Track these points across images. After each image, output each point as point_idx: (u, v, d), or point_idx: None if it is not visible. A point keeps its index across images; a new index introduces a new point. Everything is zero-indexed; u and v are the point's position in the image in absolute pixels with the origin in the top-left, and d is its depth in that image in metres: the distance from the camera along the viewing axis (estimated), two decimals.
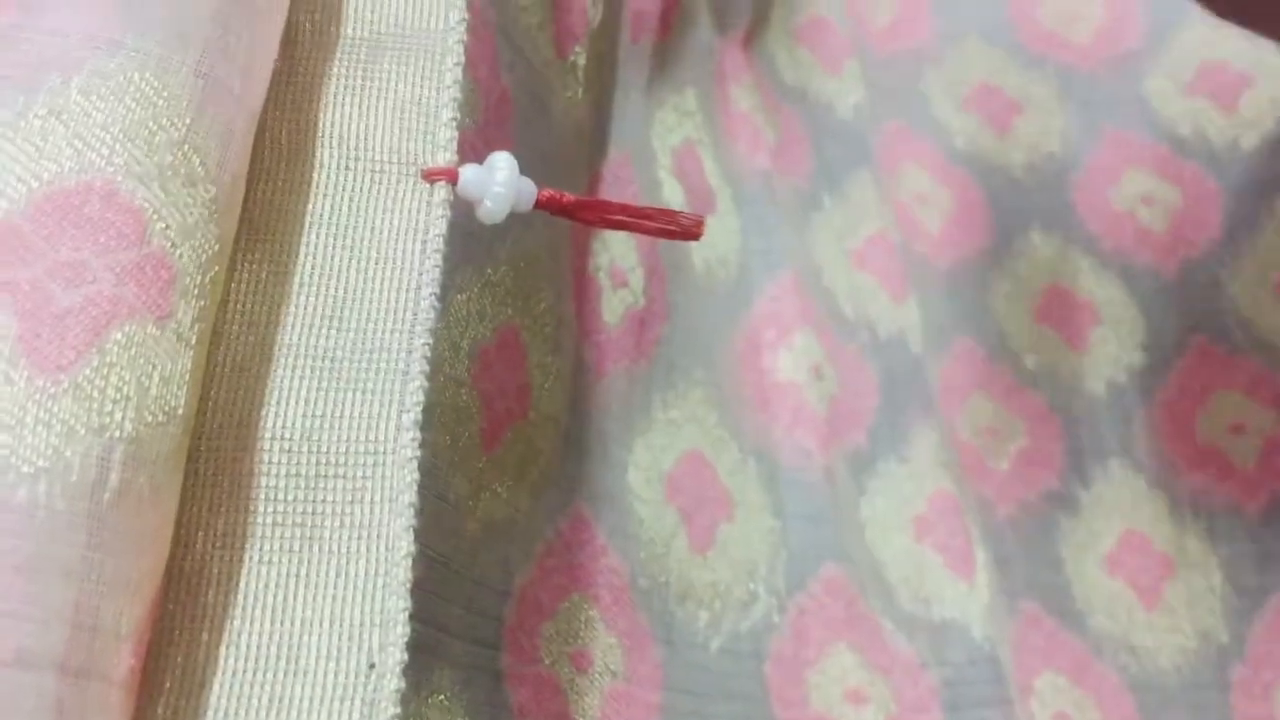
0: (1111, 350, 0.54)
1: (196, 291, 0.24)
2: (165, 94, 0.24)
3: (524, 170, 0.30)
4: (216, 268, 0.25)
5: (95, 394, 0.22)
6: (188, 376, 0.24)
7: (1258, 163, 0.55)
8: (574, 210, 0.31)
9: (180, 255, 0.24)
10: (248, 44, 0.26)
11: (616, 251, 0.46)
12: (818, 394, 0.50)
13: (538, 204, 0.31)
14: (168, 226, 0.24)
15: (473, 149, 0.30)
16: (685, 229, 0.32)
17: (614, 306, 0.45)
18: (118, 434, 0.22)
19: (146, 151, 0.24)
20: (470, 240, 0.36)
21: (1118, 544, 0.52)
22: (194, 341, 0.24)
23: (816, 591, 0.48)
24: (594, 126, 0.46)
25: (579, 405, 0.43)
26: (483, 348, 0.36)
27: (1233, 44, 0.57)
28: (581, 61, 0.43)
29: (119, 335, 0.22)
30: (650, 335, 0.47)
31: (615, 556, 0.43)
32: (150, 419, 0.23)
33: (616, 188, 0.46)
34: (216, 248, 0.25)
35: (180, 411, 0.23)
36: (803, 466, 0.49)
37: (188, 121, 0.25)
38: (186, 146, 0.24)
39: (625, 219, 0.32)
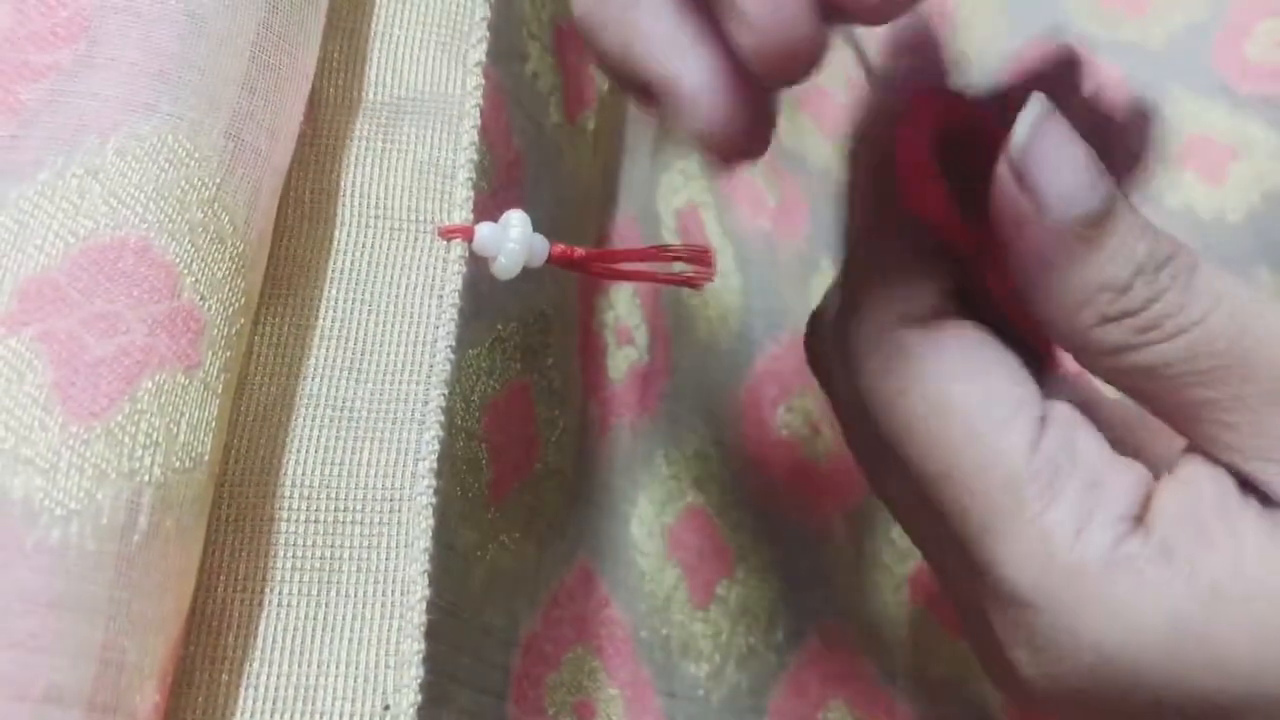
0: None
1: (223, 342, 0.25)
2: (197, 155, 0.25)
3: (536, 229, 0.31)
4: (243, 320, 0.26)
5: (126, 440, 0.22)
6: (214, 424, 0.24)
7: (1244, 234, 0.55)
8: (585, 263, 0.32)
9: (209, 308, 0.24)
10: (274, 108, 0.27)
11: (622, 310, 0.46)
12: (817, 451, 0.50)
13: (551, 259, 0.31)
14: (197, 281, 0.24)
15: (486, 210, 0.31)
16: (695, 262, 0.32)
17: (619, 363, 0.46)
18: (147, 478, 0.22)
19: (178, 209, 0.24)
20: (482, 298, 0.37)
21: None
22: (220, 390, 0.24)
23: (816, 647, 0.48)
24: (602, 189, 0.46)
25: (584, 459, 0.43)
26: (492, 401, 0.36)
27: (1218, 119, 0.57)
28: (590, 126, 0.44)
29: (149, 384, 0.23)
30: (654, 391, 0.47)
31: (618, 609, 0.43)
32: (178, 464, 0.23)
33: (623, 247, 0.46)
34: (243, 300, 0.26)
35: (206, 457, 0.24)
36: (802, 523, 0.49)
37: (218, 181, 0.25)
38: (216, 205, 0.25)
39: (633, 267, 0.32)
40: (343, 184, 0.30)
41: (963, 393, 0.30)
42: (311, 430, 0.27)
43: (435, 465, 0.27)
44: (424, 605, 0.26)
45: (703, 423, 0.48)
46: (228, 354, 0.25)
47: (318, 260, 0.29)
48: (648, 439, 0.46)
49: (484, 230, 0.30)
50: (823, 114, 0.59)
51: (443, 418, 0.27)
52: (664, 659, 0.43)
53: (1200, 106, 0.57)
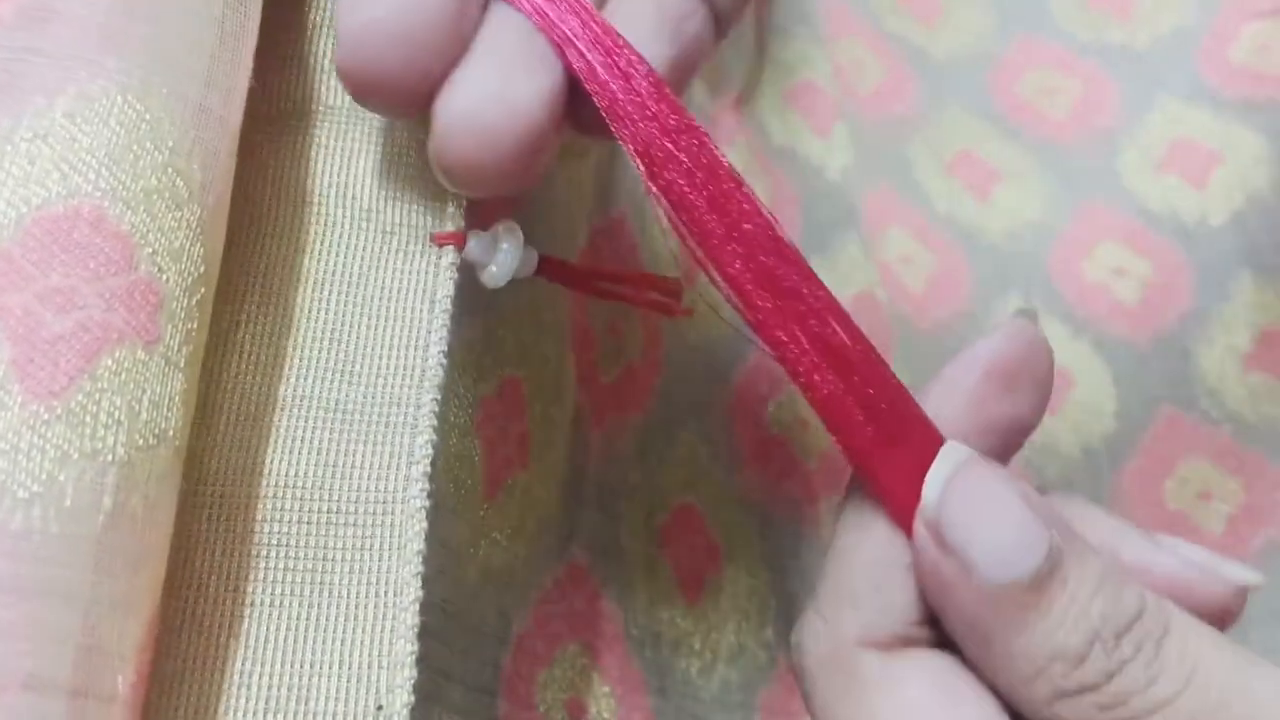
0: (1084, 416, 0.54)
1: (184, 315, 0.23)
2: (149, 117, 0.24)
3: (527, 231, 0.30)
4: (203, 289, 0.24)
5: (87, 419, 0.21)
6: (177, 399, 0.23)
7: (1227, 238, 0.55)
8: (572, 277, 0.32)
9: (167, 279, 0.23)
10: (228, 66, 0.26)
11: (614, 307, 0.45)
12: (807, 448, 0.50)
13: (539, 270, 0.31)
14: (154, 251, 0.23)
15: (476, 213, 0.30)
16: (668, 295, 0.32)
17: (611, 360, 0.45)
18: (109, 458, 0.21)
19: (132, 175, 0.23)
20: (475, 294, 0.36)
21: None
22: (182, 364, 0.23)
23: None
24: (595, 185, 0.45)
25: (576, 455, 0.42)
26: (485, 397, 0.36)
27: (1203, 123, 0.56)
28: None
29: (109, 361, 0.21)
30: (645, 388, 0.46)
31: (609, 605, 0.42)
32: (141, 442, 0.22)
33: (615, 243, 0.46)
34: (203, 269, 0.24)
35: (171, 433, 0.23)
36: (792, 518, 0.49)
37: (171, 144, 0.24)
38: (171, 169, 0.24)
39: (614, 288, 0.32)
40: (335, 183, 0.29)
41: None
42: (304, 430, 0.27)
43: (429, 469, 0.26)
44: (417, 607, 0.25)
45: (693, 420, 0.48)
46: (189, 326, 0.24)
47: (310, 262, 0.28)
48: (639, 435, 0.46)
49: (474, 241, 0.29)
50: (812, 110, 0.58)
51: (436, 422, 0.27)
52: (655, 656, 0.43)
53: (1184, 110, 0.57)
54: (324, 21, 0.30)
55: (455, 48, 0.26)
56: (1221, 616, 0.27)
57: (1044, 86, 0.60)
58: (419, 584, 0.25)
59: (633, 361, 0.46)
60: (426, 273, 0.29)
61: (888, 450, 0.27)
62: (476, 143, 0.25)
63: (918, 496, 0.26)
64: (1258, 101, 0.56)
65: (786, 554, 0.48)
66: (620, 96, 0.26)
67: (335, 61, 0.26)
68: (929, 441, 0.27)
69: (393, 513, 0.26)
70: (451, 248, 0.29)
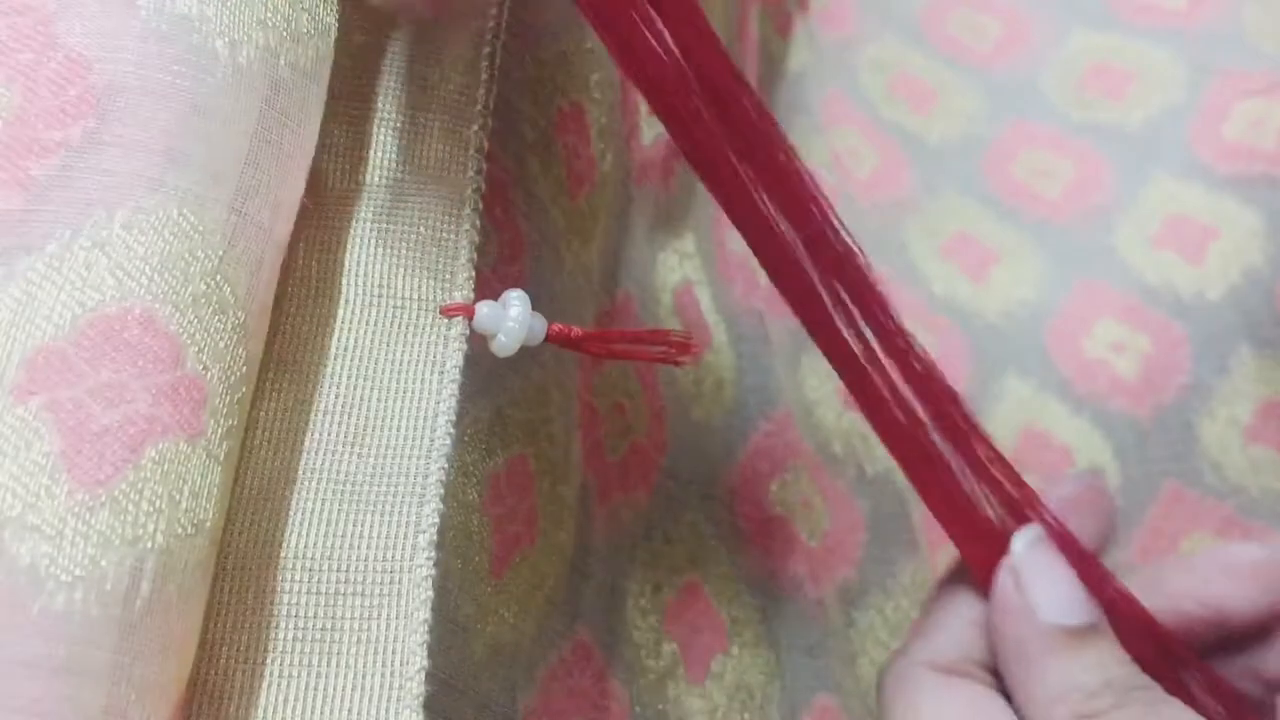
0: None
1: (225, 411, 0.25)
2: (200, 228, 0.25)
3: (535, 307, 0.31)
4: (244, 389, 0.26)
5: (130, 507, 0.22)
6: (216, 491, 0.24)
7: (1224, 312, 0.55)
8: (582, 343, 0.32)
9: (211, 377, 0.24)
10: (276, 182, 0.27)
11: (619, 386, 0.46)
12: (810, 527, 0.50)
13: (549, 337, 0.32)
14: (200, 351, 0.24)
15: (488, 286, 0.31)
16: (679, 348, 0.33)
17: (616, 439, 0.46)
18: (150, 545, 0.22)
19: (182, 281, 0.24)
20: (484, 373, 0.37)
21: None
22: (222, 458, 0.24)
23: None
24: (601, 267, 0.46)
25: (583, 534, 0.43)
26: (493, 475, 0.36)
27: (1197, 199, 0.58)
28: (590, 206, 0.44)
29: (153, 452, 0.23)
30: (650, 467, 0.47)
31: (615, 684, 0.42)
32: (180, 531, 0.23)
33: (621, 325, 0.46)
34: (244, 370, 0.26)
35: (208, 524, 0.24)
36: (796, 598, 0.49)
37: (220, 254, 0.25)
38: (219, 276, 0.25)
39: (626, 347, 0.33)
40: (347, 263, 0.30)
41: None
42: (314, 503, 0.27)
43: (435, 538, 0.27)
44: (422, 676, 0.26)
45: (698, 499, 0.48)
46: (230, 422, 0.25)
47: (322, 337, 0.29)
48: (644, 515, 0.46)
49: (484, 309, 0.30)
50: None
51: (443, 491, 0.27)
52: None
53: (1179, 187, 0.58)
54: (334, 109, 0.31)
55: None
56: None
57: (1038, 167, 0.61)
58: (425, 654, 0.26)
59: (637, 440, 0.46)
60: (435, 344, 0.29)
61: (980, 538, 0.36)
62: None
63: (990, 569, 0.36)
64: (1252, 177, 0.57)
65: (792, 632, 0.48)
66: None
67: None
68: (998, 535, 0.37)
69: (400, 582, 0.26)
70: (461, 318, 0.30)
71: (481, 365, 0.37)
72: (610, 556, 0.44)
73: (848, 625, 0.51)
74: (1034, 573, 0.35)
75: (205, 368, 0.24)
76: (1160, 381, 0.55)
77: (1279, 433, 0.53)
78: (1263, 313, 0.55)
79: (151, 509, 0.22)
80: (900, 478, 0.52)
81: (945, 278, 0.59)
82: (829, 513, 0.51)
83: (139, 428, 0.23)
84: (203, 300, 0.25)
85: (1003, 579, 0.35)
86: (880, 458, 0.53)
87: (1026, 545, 0.36)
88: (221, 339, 0.25)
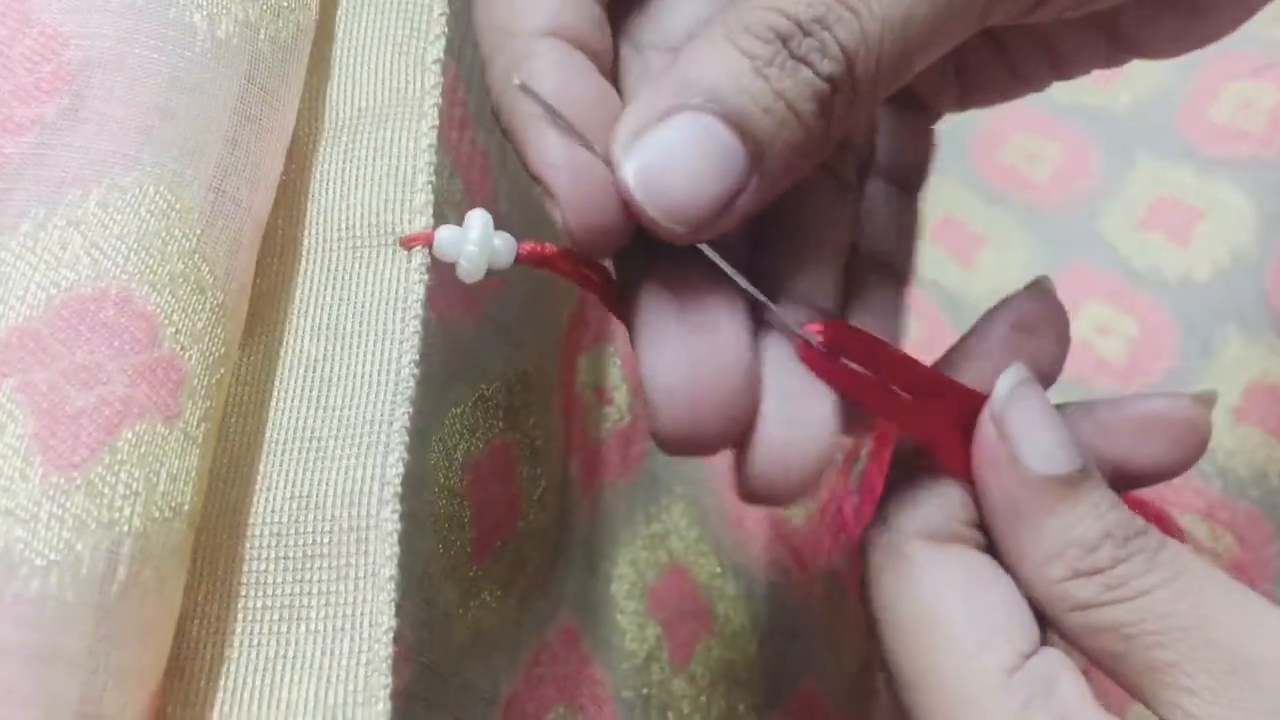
0: None
1: (203, 392, 0.24)
2: (178, 206, 0.25)
3: (510, 225, 0.30)
4: (222, 370, 0.25)
5: (106, 490, 0.22)
6: (193, 474, 0.24)
7: (1211, 293, 0.56)
8: (555, 260, 0.31)
9: (189, 358, 0.24)
10: (255, 159, 0.27)
11: (602, 370, 0.46)
12: (794, 513, 0.50)
13: (519, 258, 0.30)
14: (178, 331, 0.24)
15: (460, 208, 0.30)
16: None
17: (600, 423, 0.46)
18: (126, 529, 0.22)
19: (159, 260, 0.24)
20: (465, 357, 0.36)
21: None
22: (200, 440, 0.24)
23: (794, 708, 0.48)
24: None
25: (567, 518, 0.43)
26: (475, 460, 0.36)
27: (1184, 181, 0.58)
28: None
29: (130, 434, 0.22)
30: (635, 451, 0.47)
31: (599, 668, 0.42)
32: (157, 514, 0.23)
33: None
34: (223, 350, 0.25)
35: (185, 507, 0.24)
36: (780, 583, 0.49)
37: (198, 232, 0.25)
38: (197, 256, 0.25)
39: (595, 278, 0.31)
40: (309, 213, 0.29)
41: (953, 605, 0.31)
42: (280, 466, 0.27)
43: (400, 489, 0.26)
44: (390, 637, 0.25)
45: (682, 484, 0.48)
46: (207, 404, 0.25)
47: (285, 293, 0.29)
48: (629, 498, 0.46)
49: (444, 234, 0.29)
50: None
51: (408, 438, 0.27)
52: (644, 719, 0.43)
53: (1167, 170, 0.58)
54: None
55: (750, 398, 0.29)
56: (1194, 437, 0.35)
57: (1026, 151, 0.61)
58: (392, 612, 0.25)
59: (621, 425, 0.46)
60: (396, 281, 0.28)
61: (933, 406, 0.33)
62: (786, 470, 0.30)
63: (961, 438, 0.33)
64: (1239, 159, 0.57)
65: (776, 616, 0.48)
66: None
67: (651, 426, 0.29)
68: (965, 395, 0.33)
69: (367, 540, 0.26)
70: (421, 248, 0.29)
71: (464, 349, 0.37)
72: (595, 541, 0.44)
73: (833, 610, 0.51)
74: (1021, 420, 0.32)
75: (183, 348, 0.24)
76: (1147, 364, 0.56)
77: (1266, 413, 0.54)
78: (1250, 294, 0.55)
79: (128, 492, 0.22)
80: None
81: (933, 262, 0.59)
82: (814, 496, 0.51)
83: (115, 409, 0.22)
84: (180, 280, 0.24)
85: (985, 430, 0.32)
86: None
87: (1008, 388, 0.32)
88: (200, 319, 0.25)
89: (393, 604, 0.25)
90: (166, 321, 0.24)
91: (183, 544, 0.24)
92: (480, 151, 0.38)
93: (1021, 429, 0.32)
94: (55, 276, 0.23)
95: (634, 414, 0.47)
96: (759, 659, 0.47)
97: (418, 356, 0.27)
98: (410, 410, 0.27)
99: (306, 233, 0.29)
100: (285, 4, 0.28)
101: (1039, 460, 0.31)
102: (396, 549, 0.26)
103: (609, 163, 0.28)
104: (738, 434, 0.29)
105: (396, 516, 0.26)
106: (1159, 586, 0.30)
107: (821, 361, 0.31)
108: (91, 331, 0.23)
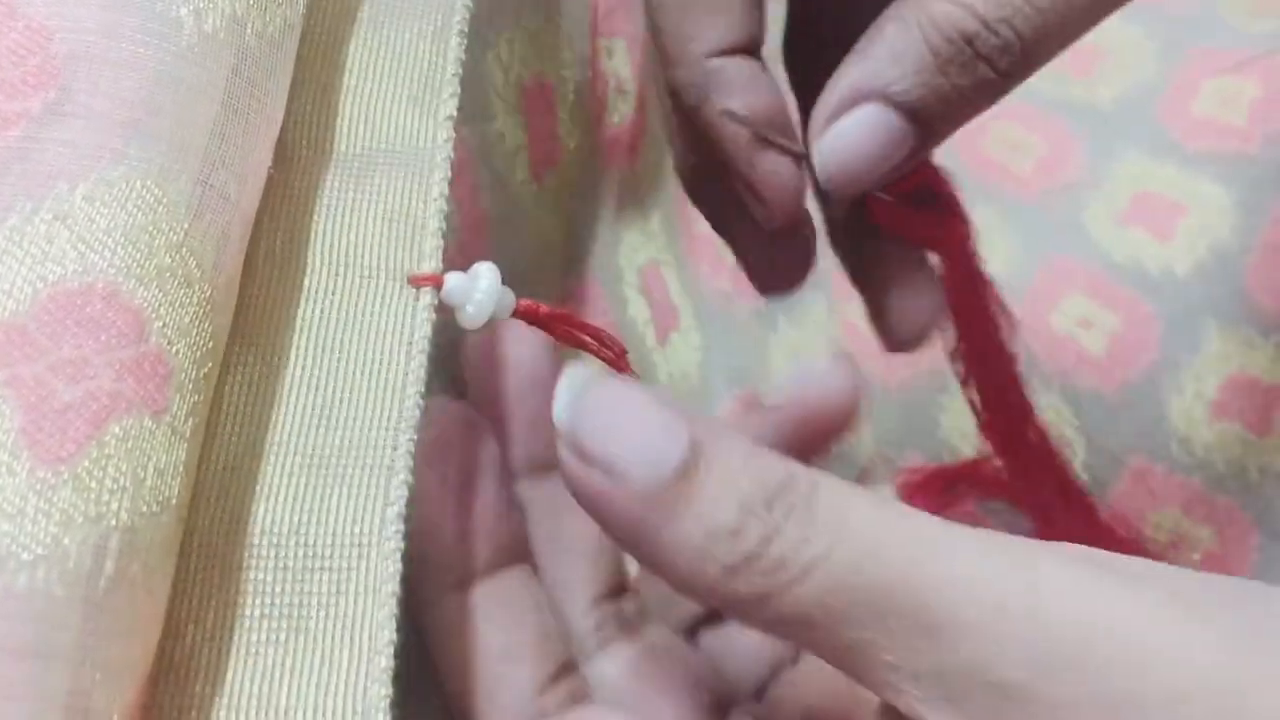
0: None
1: (191, 386, 0.25)
2: (165, 200, 0.25)
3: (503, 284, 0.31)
4: (210, 364, 0.26)
5: (93, 484, 0.22)
6: (181, 468, 0.24)
7: (1192, 288, 0.56)
8: (548, 322, 0.32)
9: (176, 352, 0.24)
10: (243, 153, 0.27)
11: (586, 361, 0.46)
12: None
13: (516, 312, 0.31)
14: (165, 325, 0.24)
15: (453, 264, 0.30)
16: (617, 362, 0.33)
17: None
18: (114, 523, 0.22)
19: (146, 254, 0.24)
20: (445, 348, 0.37)
21: None
22: (188, 434, 0.24)
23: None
24: (565, 246, 0.46)
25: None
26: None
27: (1167, 176, 0.58)
28: (555, 185, 0.44)
29: (117, 429, 0.23)
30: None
31: None
32: (145, 509, 0.23)
33: (586, 304, 0.47)
34: (210, 344, 0.26)
35: (173, 502, 0.24)
36: None
37: (186, 226, 0.25)
38: (184, 250, 0.25)
39: (585, 338, 0.33)
40: (313, 233, 0.30)
41: (488, 635, 0.33)
42: (281, 478, 0.27)
43: (404, 510, 0.26)
44: (391, 650, 0.25)
45: None
46: (195, 398, 0.25)
47: (288, 310, 0.29)
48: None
49: (453, 279, 0.30)
50: None
51: (412, 462, 0.27)
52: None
53: (1149, 164, 0.58)
54: (302, 78, 0.31)
55: None
56: (846, 414, 0.39)
57: (1010, 143, 0.61)
58: (393, 626, 0.25)
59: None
60: (403, 314, 0.29)
61: None
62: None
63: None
64: (1221, 154, 0.58)
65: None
66: None
67: None
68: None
69: (368, 556, 0.26)
70: (429, 289, 0.29)
71: (439, 341, 0.37)
72: None
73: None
74: (600, 433, 0.26)
75: (170, 343, 0.24)
76: (1128, 358, 0.56)
77: (1245, 407, 0.54)
78: (1230, 289, 0.55)
79: (115, 486, 0.22)
80: (862, 454, 0.53)
81: None
82: None
83: (102, 404, 0.22)
84: (168, 274, 0.24)
85: (565, 460, 0.27)
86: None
87: (569, 404, 0.27)
88: (187, 313, 0.25)
89: (394, 618, 0.25)
90: (154, 316, 0.24)
91: (171, 538, 0.24)
92: (482, 218, 0.38)
93: (605, 444, 0.26)
94: (42, 271, 0.23)
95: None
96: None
97: (423, 389, 0.28)
98: (414, 438, 0.27)
99: (311, 253, 0.30)
100: None
101: (640, 468, 0.26)
102: (399, 566, 0.26)
103: (803, 156, 0.35)
104: None
105: (400, 536, 0.26)
106: (821, 559, 0.25)
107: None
108: (78, 326, 0.23)
